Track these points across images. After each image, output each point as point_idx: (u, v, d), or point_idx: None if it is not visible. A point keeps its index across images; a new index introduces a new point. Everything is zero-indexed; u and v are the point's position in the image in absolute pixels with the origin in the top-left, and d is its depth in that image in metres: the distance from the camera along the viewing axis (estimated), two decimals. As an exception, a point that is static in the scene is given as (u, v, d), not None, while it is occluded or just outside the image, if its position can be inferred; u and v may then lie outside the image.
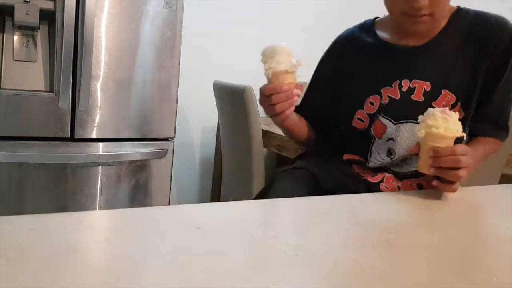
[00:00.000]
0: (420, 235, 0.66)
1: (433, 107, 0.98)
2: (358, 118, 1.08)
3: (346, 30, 1.19)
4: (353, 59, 1.12)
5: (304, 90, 1.21)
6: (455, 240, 0.66)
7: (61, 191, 1.69)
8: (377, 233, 0.64)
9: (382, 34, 1.10)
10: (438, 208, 0.79)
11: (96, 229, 0.60)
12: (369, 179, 1.06)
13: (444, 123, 0.84)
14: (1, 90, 1.59)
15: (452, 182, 0.85)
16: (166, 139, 1.86)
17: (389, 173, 1.06)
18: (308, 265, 0.51)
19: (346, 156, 1.12)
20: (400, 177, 1.06)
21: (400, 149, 1.03)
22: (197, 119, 2.71)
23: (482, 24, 1.01)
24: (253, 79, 2.49)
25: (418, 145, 0.90)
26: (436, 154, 0.84)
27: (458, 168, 0.83)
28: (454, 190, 0.86)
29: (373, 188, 1.05)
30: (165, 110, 1.82)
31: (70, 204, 1.70)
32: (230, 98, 2.05)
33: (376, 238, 0.62)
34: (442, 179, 0.86)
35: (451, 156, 0.83)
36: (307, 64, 0.99)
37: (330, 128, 1.20)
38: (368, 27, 1.14)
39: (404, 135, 1.02)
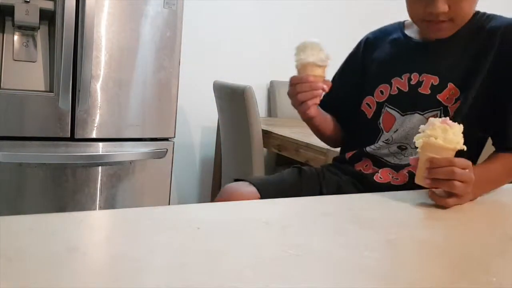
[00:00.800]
0: (420, 235, 0.66)
1: (438, 100, 1.01)
2: (367, 104, 1.13)
3: (377, 28, 1.23)
4: (376, 51, 1.17)
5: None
6: (455, 240, 0.66)
7: (61, 191, 1.69)
8: (377, 233, 0.64)
9: (408, 32, 1.14)
10: (439, 208, 0.79)
11: (96, 229, 0.60)
12: (363, 171, 1.09)
13: (443, 133, 0.80)
14: (1, 90, 1.59)
15: (448, 196, 0.80)
16: (166, 139, 1.86)
17: (387, 166, 1.07)
18: (308, 265, 0.51)
19: (348, 155, 1.14)
20: (397, 169, 1.06)
21: (397, 136, 1.05)
22: (197, 119, 2.71)
23: (493, 24, 1.01)
24: (253, 79, 2.50)
25: (416, 158, 0.86)
26: (432, 164, 0.80)
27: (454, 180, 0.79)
28: (447, 205, 0.80)
29: (366, 179, 1.07)
30: (165, 110, 1.82)
31: (70, 204, 1.70)
32: (230, 98, 2.05)
33: (376, 238, 0.62)
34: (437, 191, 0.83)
35: (448, 167, 0.79)
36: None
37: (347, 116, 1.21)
38: (397, 26, 1.19)
39: (407, 125, 1.05)
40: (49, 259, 0.47)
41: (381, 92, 1.10)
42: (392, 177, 1.05)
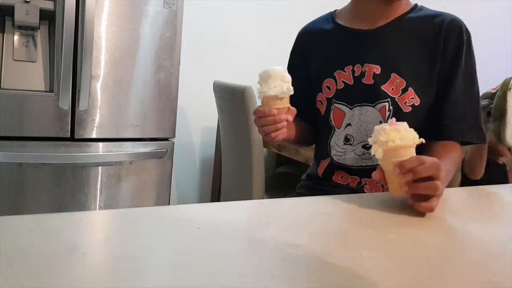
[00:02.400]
0: (420, 235, 0.66)
1: (383, 91, 1.02)
2: (319, 101, 1.13)
3: (309, 22, 1.24)
4: (313, 46, 1.17)
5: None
6: (454, 240, 0.66)
7: (61, 191, 1.69)
8: (377, 233, 0.64)
9: (340, 21, 1.15)
10: (438, 208, 0.79)
11: (96, 229, 0.60)
12: (351, 185, 1.08)
13: (397, 134, 0.74)
14: (1, 90, 1.59)
15: (427, 198, 0.73)
16: (166, 139, 1.86)
17: (367, 174, 1.04)
18: (308, 265, 0.51)
19: (320, 171, 1.13)
20: None
21: (357, 133, 1.06)
22: (197, 119, 2.71)
23: (437, 20, 1.04)
24: (253, 79, 2.50)
25: (379, 171, 0.79)
26: (403, 169, 0.73)
27: (431, 179, 0.73)
28: (432, 208, 0.73)
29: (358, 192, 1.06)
30: (165, 110, 1.82)
31: (70, 204, 1.70)
32: (230, 98, 2.05)
33: (376, 238, 0.62)
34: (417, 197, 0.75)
35: (422, 165, 0.72)
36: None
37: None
38: (328, 17, 1.19)
39: (359, 118, 1.05)
40: (49, 259, 0.47)
41: (328, 87, 1.10)
42: (382, 185, 1.04)
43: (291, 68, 1.22)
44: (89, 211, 1.44)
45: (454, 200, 0.86)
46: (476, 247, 0.64)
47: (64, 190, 1.69)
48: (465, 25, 1.04)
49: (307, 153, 1.86)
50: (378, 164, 1.01)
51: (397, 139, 0.74)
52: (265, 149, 2.08)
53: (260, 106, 0.98)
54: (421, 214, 0.75)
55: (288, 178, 2.56)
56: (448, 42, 1.01)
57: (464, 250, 0.62)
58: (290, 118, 0.97)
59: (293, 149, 1.96)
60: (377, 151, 0.76)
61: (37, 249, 0.49)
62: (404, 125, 0.77)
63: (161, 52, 1.77)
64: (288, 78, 0.94)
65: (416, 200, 0.74)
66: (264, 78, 0.94)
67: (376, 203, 0.80)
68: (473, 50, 1.04)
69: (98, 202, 1.76)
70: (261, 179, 1.98)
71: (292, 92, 0.94)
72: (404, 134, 0.75)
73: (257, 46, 2.77)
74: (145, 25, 1.73)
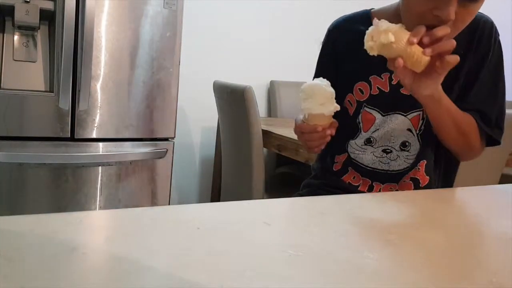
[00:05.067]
0: (420, 235, 0.66)
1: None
2: (348, 101, 1.11)
3: (341, 17, 1.20)
4: (348, 45, 1.13)
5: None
6: (455, 240, 0.66)
7: (61, 191, 1.69)
8: (377, 233, 0.64)
9: None
10: (438, 208, 0.79)
11: (96, 229, 0.60)
12: (361, 189, 1.08)
13: (388, 22, 0.83)
14: (1, 90, 1.59)
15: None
16: (166, 139, 1.86)
17: (379, 178, 1.06)
18: (308, 265, 0.51)
19: (336, 167, 1.13)
20: (393, 178, 1.06)
21: (381, 138, 1.05)
22: (197, 119, 2.71)
23: (472, 24, 1.00)
24: (253, 79, 2.51)
25: (397, 59, 0.82)
26: (418, 34, 0.80)
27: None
28: (457, 59, 0.82)
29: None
30: (165, 110, 1.82)
31: (70, 204, 1.70)
32: (230, 98, 2.05)
33: (376, 238, 0.62)
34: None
35: (434, 28, 0.81)
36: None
37: None
38: (364, 16, 1.14)
39: (389, 125, 1.05)
40: (49, 259, 0.47)
41: (361, 90, 1.08)
42: (396, 190, 1.04)
43: (320, 64, 1.22)
44: (89, 211, 1.44)
45: (454, 200, 0.87)
46: (476, 247, 0.64)
47: (64, 190, 1.69)
48: (495, 24, 1.02)
49: (306, 153, 1.86)
50: (393, 170, 1.04)
51: (392, 23, 0.82)
52: (265, 149, 2.08)
53: (303, 121, 0.98)
54: (421, 214, 0.75)
55: (288, 178, 2.56)
56: (480, 42, 1.01)
57: (464, 250, 0.62)
58: (333, 132, 0.97)
59: (293, 149, 1.96)
60: (388, 36, 0.81)
61: (37, 249, 0.49)
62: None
63: (161, 52, 1.77)
64: (332, 93, 0.94)
65: (440, 60, 0.81)
66: (309, 93, 0.94)
67: (376, 203, 0.80)
68: (501, 49, 1.03)
69: (98, 202, 1.76)
70: (261, 179, 1.98)
71: (338, 109, 0.95)
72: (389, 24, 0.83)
73: (257, 46, 2.77)
74: (145, 25, 1.73)
